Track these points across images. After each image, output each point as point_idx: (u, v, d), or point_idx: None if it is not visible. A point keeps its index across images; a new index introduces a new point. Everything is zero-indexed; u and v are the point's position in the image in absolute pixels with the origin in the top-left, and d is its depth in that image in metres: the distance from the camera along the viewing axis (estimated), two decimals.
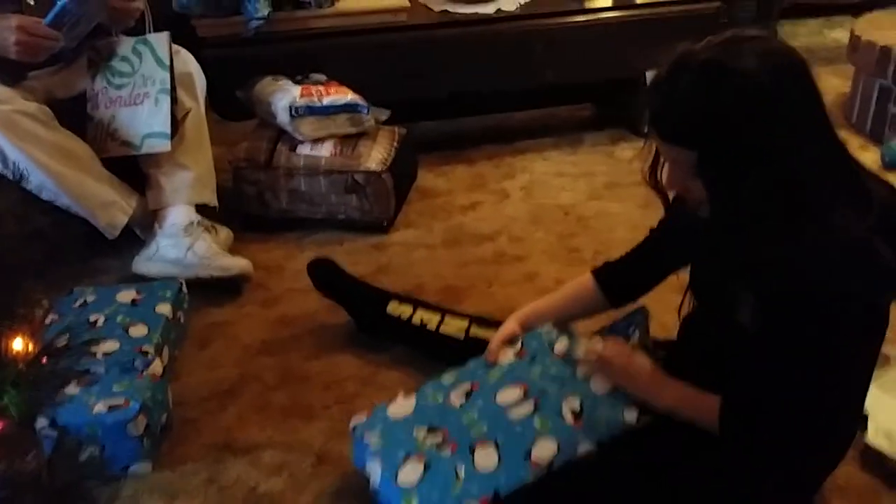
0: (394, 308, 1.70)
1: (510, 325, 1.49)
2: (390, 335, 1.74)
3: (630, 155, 2.67)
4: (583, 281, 1.50)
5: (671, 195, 1.23)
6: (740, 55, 1.00)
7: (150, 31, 2.11)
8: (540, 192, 2.46)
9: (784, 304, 1.04)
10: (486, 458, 1.26)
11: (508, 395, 1.36)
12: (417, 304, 1.72)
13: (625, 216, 2.28)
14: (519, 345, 1.45)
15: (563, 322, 1.49)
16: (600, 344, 1.31)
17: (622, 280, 1.47)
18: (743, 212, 1.04)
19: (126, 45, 2.06)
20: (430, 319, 1.67)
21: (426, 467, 1.26)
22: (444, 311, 1.69)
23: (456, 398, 1.39)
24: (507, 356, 1.44)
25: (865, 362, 1.18)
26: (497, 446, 1.27)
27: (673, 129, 1.05)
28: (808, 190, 1.02)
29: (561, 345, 1.41)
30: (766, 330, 1.07)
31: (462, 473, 1.24)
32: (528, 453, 1.25)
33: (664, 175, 1.14)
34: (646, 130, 1.11)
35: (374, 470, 1.30)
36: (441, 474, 1.25)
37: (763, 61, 1.00)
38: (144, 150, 2.03)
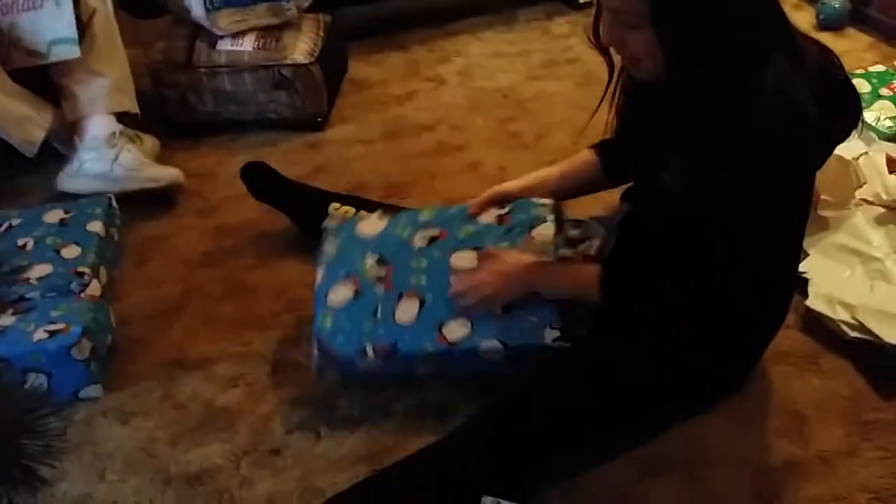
0: (335, 209, 1.65)
1: (509, 186, 1.46)
2: None
3: (566, 30, 2.59)
4: (584, 155, 1.45)
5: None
6: None
7: None
8: (477, 75, 2.39)
9: (709, 157, 1.05)
10: (406, 310, 1.32)
11: (462, 258, 1.36)
12: (359, 203, 1.67)
13: (564, 96, 2.24)
14: (506, 209, 1.42)
15: (560, 202, 1.46)
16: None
17: (617, 155, 1.43)
18: (695, 60, 1.03)
19: None
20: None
21: (356, 294, 1.35)
22: (389, 210, 1.65)
23: (419, 240, 1.41)
24: (489, 216, 1.42)
25: (792, 222, 1.20)
26: (421, 304, 1.31)
27: None
28: (749, 42, 1.02)
29: (540, 230, 1.38)
30: (688, 186, 1.09)
31: (379, 315, 1.31)
32: (441, 326, 1.28)
33: (603, 29, 1.12)
34: None
35: (318, 274, 1.41)
36: (363, 307, 1.33)
37: None
38: (53, 59, 1.88)
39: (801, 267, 1.49)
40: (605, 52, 1.17)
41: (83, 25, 1.89)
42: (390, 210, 1.64)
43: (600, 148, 1.44)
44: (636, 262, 1.24)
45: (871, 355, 1.36)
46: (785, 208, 1.13)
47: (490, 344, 1.26)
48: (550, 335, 1.26)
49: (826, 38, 2.39)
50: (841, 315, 1.39)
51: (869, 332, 1.35)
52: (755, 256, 1.13)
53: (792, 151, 1.04)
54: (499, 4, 2.76)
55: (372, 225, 1.43)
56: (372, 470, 1.24)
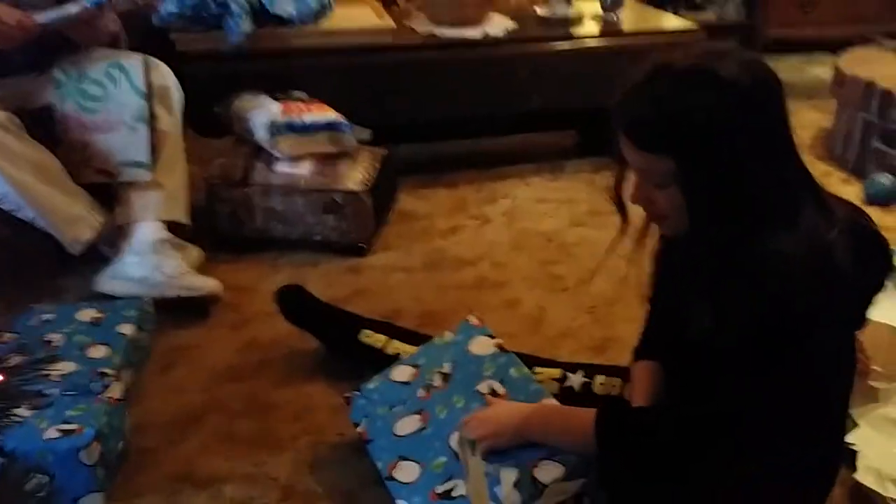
0: (366, 337, 1.63)
1: None
2: (363, 361, 1.66)
3: (612, 183, 2.62)
4: (644, 368, 1.34)
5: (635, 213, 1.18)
6: (723, 61, 0.99)
7: (124, 47, 2.04)
8: (522, 217, 2.41)
9: (740, 309, 1.00)
10: (407, 426, 1.35)
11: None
12: (392, 333, 1.65)
13: (606, 244, 2.22)
14: (503, 390, 1.37)
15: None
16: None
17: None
18: (717, 218, 1.02)
19: (98, 66, 1.97)
20: (407, 351, 1.59)
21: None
22: (420, 342, 1.61)
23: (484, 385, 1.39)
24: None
25: (831, 386, 1.12)
26: (421, 429, 1.33)
27: (650, 135, 1.02)
28: (779, 198, 1.01)
29: None
30: (716, 337, 1.02)
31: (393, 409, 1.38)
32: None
33: (630, 188, 1.11)
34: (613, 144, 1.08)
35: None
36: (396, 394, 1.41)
37: (745, 68, 1.00)
38: (123, 179, 1.98)
39: (850, 438, 1.41)
40: (621, 207, 1.17)
41: (156, 150, 1.97)
42: (424, 339, 1.62)
43: (643, 351, 1.36)
44: (638, 409, 1.18)
45: None
46: (818, 365, 1.06)
47: None
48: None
49: (873, 214, 2.38)
50: (891, 493, 1.30)
51: None
52: (788, 416, 1.06)
53: (823, 299, 1.00)
54: (547, 154, 2.83)
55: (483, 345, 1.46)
56: None
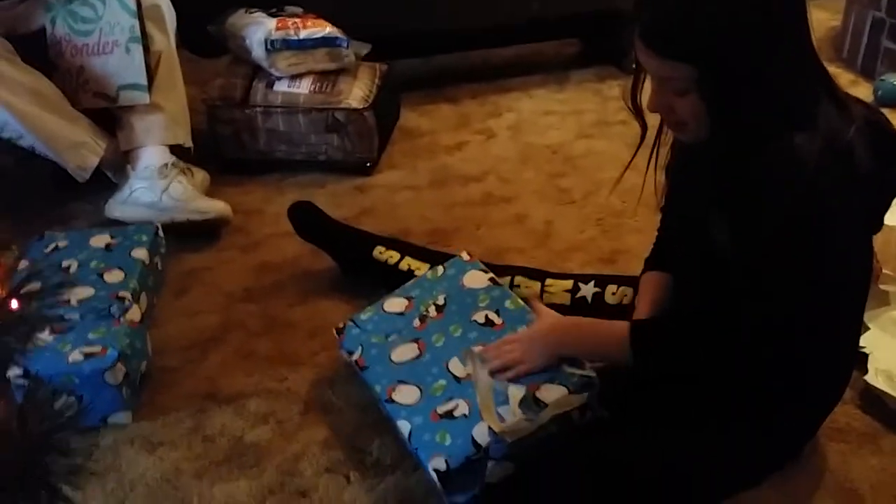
0: (380, 253, 1.64)
1: None
2: (377, 279, 1.68)
3: (617, 93, 2.59)
4: (653, 279, 1.35)
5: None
6: None
7: None
8: (527, 130, 2.39)
9: (760, 211, 1.01)
10: (404, 353, 1.35)
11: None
12: (405, 249, 1.65)
13: (613, 155, 2.22)
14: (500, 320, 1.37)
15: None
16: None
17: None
18: (738, 122, 1.02)
19: None
20: (420, 267, 1.60)
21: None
22: (433, 259, 1.61)
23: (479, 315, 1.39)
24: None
25: (848, 289, 1.14)
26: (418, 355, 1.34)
27: (670, 42, 1.00)
28: (798, 99, 1.01)
29: None
30: (735, 240, 1.04)
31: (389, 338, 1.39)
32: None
33: (648, 96, 1.10)
34: (634, 51, 1.05)
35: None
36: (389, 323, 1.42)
37: None
38: (121, 103, 1.94)
39: (861, 341, 1.43)
40: (640, 116, 1.16)
41: (151, 71, 1.94)
42: (436, 255, 1.62)
43: (654, 262, 1.37)
44: (669, 321, 1.20)
45: None
46: (838, 268, 1.07)
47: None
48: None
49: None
50: None
51: None
52: (806, 319, 1.08)
53: (842, 198, 1.01)
54: (551, 65, 2.78)
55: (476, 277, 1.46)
56: None
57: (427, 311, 1.42)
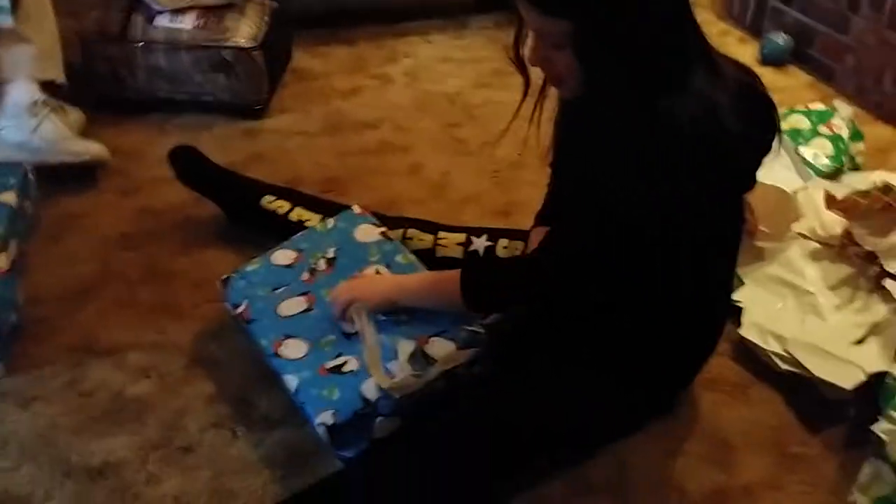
0: (268, 203, 1.58)
1: None
2: (265, 229, 1.63)
3: (511, 42, 2.57)
4: (541, 231, 1.36)
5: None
6: None
7: None
8: (425, 78, 2.35)
9: (632, 164, 1.03)
10: (291, 307, 1.32)
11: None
12: (295, 199, 1.61)
13: (512, 106, 2.18)
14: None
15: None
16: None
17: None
18: (611, 81, 1.03)
19: None
20: (310, 218, 1.56)
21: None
22: (324, 211, 1.57)
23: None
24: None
25: (720, 244, 1.18)
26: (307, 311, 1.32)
27: None
28: (671, 62, 1.02)
29: None
30: (607, 193, 1.06)
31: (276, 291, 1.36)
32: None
33: (527, 49, 1.10)
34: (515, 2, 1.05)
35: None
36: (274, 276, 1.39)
37: None
38: None
39: (736, 296, 1.49)
40: (522, 69, 1.15)
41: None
42: (327, 205, 1.59)
43: (544, 217, 1.39)
44: (497, 263, 1.25)
45: (800, 388, 1.36)
46: (707, 223, 1.11)
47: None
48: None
49: (767, 74, 2.46)
50: (772, 346, 1.39)
51: (799, 365, 1.35)
52: (670, 267, 1.11)
53: (710, 158, 1.03)
54: (449, 9, 2.73)
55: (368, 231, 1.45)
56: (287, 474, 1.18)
57: (316, 264, 1.39)
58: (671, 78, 1.02)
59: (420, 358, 1.19)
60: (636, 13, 0.98)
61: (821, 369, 1.33)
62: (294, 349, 1.25)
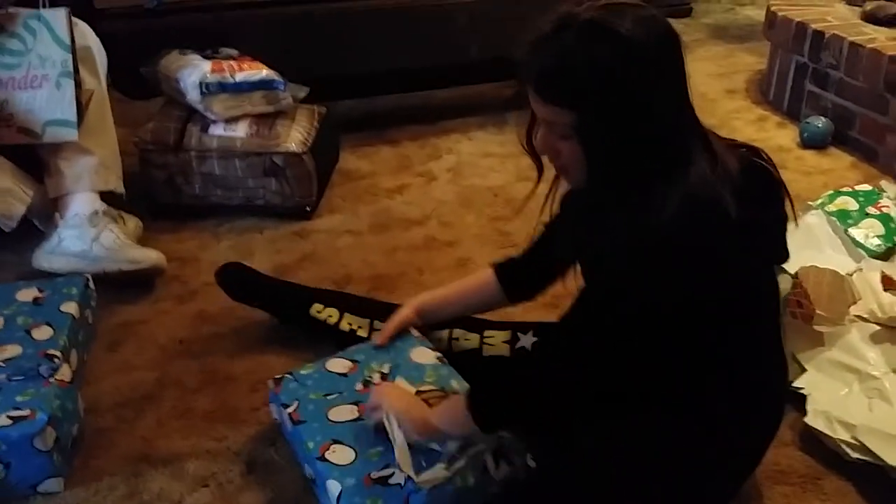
0: (317, 312, 1.60)
1: (406, 312, 1.47)
2: (318, 335, 1.64)
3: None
4: (483, 274, 1.46)
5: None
6: (622, 17, 1.01)
7: (44, 5, 1.92)
8: (468, 173, 2.40)
9: (632, 256, 1.04)
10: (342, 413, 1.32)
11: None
12: (344, 305, 1.62)
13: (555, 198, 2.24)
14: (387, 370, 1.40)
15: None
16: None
17: (520, 275, 1.44)
18: (612, 172, 1.06)
19: (17, 19, 1.86)
20: (362, 325, 1.58)
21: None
22: (372, 315, 1.59)
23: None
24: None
25: (744, 325, 1.15)
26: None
27: (552, 88, 1.04)
28: (672, 151, 1.05)
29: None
30: (610, 285, 1.09)
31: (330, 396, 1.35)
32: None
33: (537, 137, 1.13)
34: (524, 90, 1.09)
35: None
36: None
37: (642, 25, 1.01)
38: (48, 139, 1.86)
39: (798, 382, 1.46)
40: (535, 157, 1.18)
41: (82, 108, 1.87)
42: (376, 307, 1.60)
43: (502, 266, 1.44)
44: (499, 380, 1.21)
45: (873, 477, 1.31)
46: (732, 303, 1.09)
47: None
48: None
49: (809, 157, 2.47)
50: (840, 434, 1.35)
51: (870, 452, 1.30)
52: (699, 349, 1.10)
53: (713, 243, 1.03)
54: (489, 106, 2.80)
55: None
56: None
57: (371, 377, 1.39)
58: (672, 168, 1.04)
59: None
60: (637, 105, 1.01)
61: (892, 456, 1.28)
62: (341, 455, 1.23)
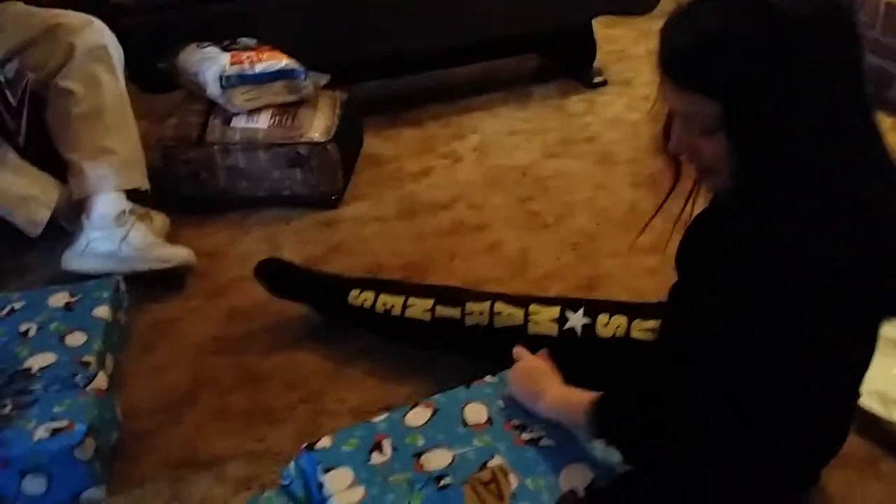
0: (355, 297, 1.56)
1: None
2: (353, 322, 1.62)
3: (581, 108, 2.57)
4: None
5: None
6: None
7: None
8: (493, 152, 2.35)
9: (750, 276, 0.90)
10: None
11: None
12: (379, 287, 1.58)
13: (583, 175, 2.19)
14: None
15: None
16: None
17: None
18: (764, 167, 0.90)
19: None
20: (395, 303, 1.54)
21: None
22: (407, 292, 1.55)
23: None
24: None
25: (838, 370, 1.06)
26: None
27: (688, 70, 0.91)
28: (831, 156, 0.89)
29: None
30: (725, 304, 0.93)
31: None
32: None
33: (673, 136, 1.00)
34: (657, 79, 0.94)
35: None
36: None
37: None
38: None
39: None
40: (675, 163, 1.05)
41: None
42: (413, 292, 1.55)
43: None
44: (636, 394, 1.07)
45: None
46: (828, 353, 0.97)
47: None
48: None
49: None
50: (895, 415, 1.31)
51: None
52: (794, 387, 0.97)
53: (825, 302, 0.90)
54: (511, 81, 2.75)
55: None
56: None
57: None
58: (829, 182, 0.89)
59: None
60: (791, 97, 0.86)
61: None
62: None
